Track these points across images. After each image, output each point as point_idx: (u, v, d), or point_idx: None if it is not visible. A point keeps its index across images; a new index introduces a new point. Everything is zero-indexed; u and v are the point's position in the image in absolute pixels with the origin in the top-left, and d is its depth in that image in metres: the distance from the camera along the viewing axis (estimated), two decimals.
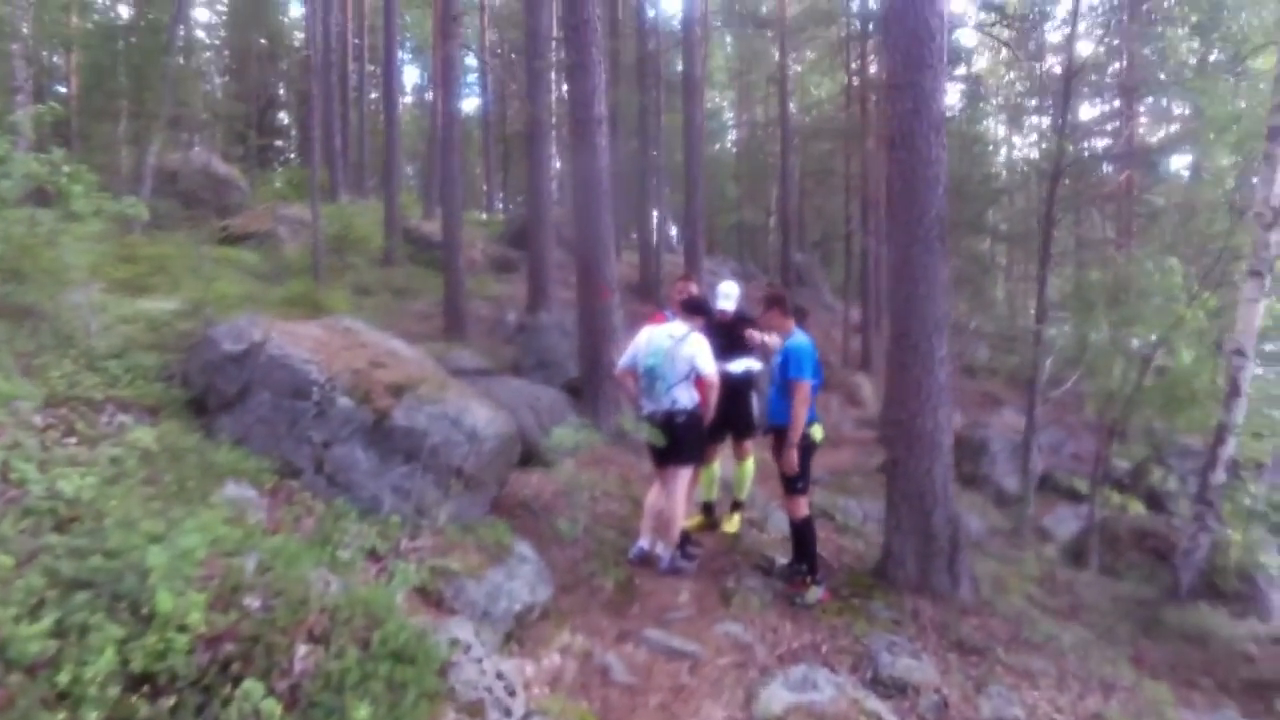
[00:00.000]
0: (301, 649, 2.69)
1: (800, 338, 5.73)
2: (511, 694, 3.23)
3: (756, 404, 6.71)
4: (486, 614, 4.08)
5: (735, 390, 5.93)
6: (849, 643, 5.16)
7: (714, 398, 5.64)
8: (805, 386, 5.54)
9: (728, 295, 6.48)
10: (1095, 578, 8.27)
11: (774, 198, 34.99)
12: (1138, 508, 9.53)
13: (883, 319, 22.51)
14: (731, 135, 40.06)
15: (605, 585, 5.31)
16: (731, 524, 6.87)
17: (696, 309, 5.83)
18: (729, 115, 40.29)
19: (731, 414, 6.31)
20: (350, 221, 14.97)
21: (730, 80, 37.22)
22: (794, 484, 5.72)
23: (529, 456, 7.40)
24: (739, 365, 6.20)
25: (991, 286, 22.50)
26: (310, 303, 9.06)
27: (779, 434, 5.74)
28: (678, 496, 5.75)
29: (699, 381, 5.71)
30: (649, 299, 19.57)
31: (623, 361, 5.88)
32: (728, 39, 34.35)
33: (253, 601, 2.83)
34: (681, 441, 5.67)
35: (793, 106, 26.47)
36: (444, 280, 11.83)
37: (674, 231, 31.36)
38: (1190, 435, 9.84)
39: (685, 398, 5.59)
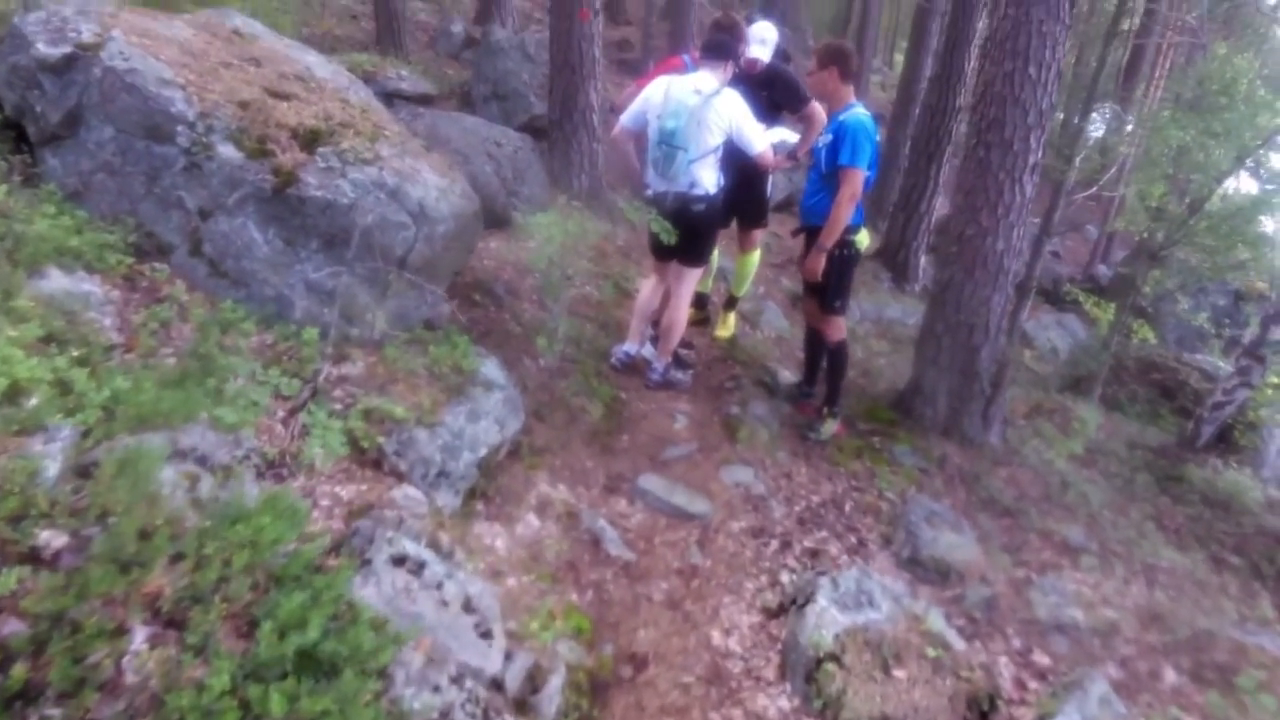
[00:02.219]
0: (139, 636, 1.58)
1: (860, 112, 4.36)
2: (488, 636, 2.24)
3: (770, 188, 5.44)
4: (444, 474, 3.01)
5: (751, 167, 4.61)
6: (874, 498, 4.39)
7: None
8: (858, 177, 4.28)
9: (763, 40, 4.91)
10: (1105, 414, 7.71)
11: None
12: (1148, 335, 8.84)
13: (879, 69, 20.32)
14: None
15: (588, 409, 4.28)
16: (726, 327, 5.84)
17: (725, 50, 4.33)
18: None
19: (743, 195, 5.04)
20: None
21: None
22: (831, 301, 4.64)
23: (489, 219, 6.07)
24: (771, 136, 4.80)
25: None
26: None
27: (814, 235, 4.55)
28: (682, 302, 4.62)
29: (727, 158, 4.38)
30: (615, 22, 17.01)
31: (626, 119, 4.40)
32: None
33: (55, 539, 1.65)
34: (697, 236, 4.43)
35: None
36: None
37: None
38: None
39: (708, 178, 4.26)
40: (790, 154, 4.94)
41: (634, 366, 4.92)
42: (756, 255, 5.60)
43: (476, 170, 5.96)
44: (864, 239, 4.68)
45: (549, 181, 6.90)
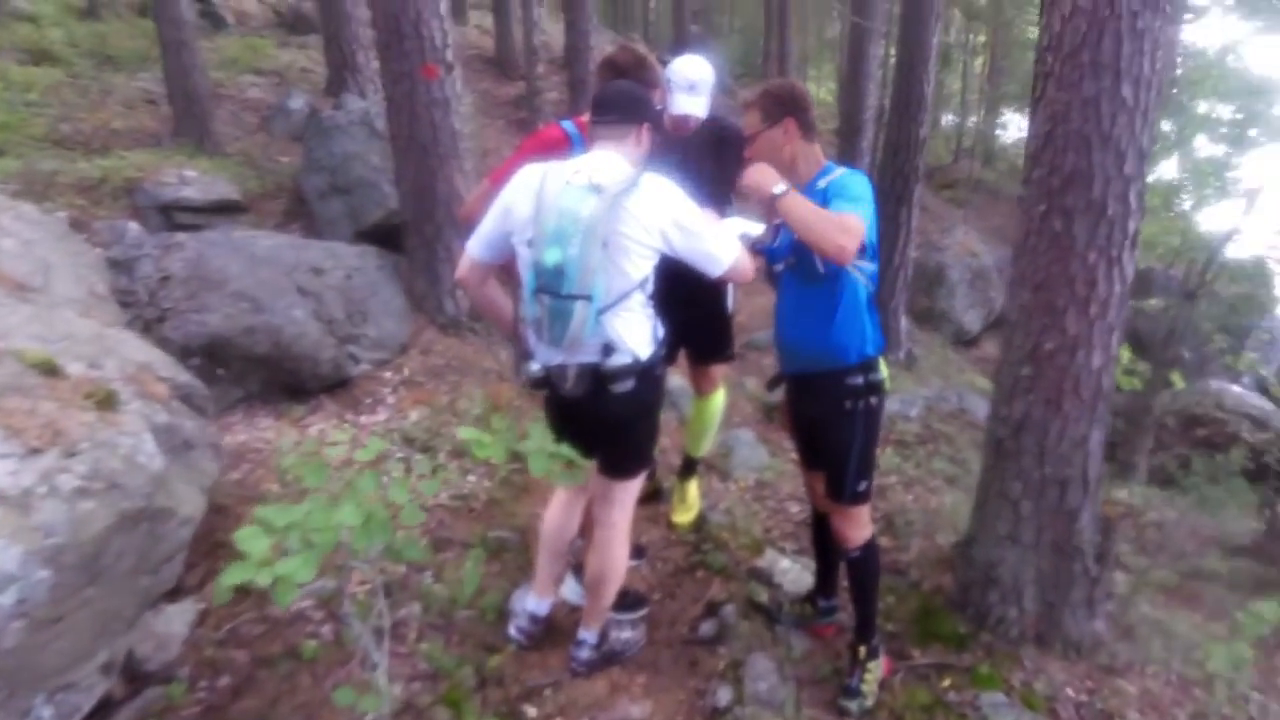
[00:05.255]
0: None
1: (850, 176, 2.74)
2: None
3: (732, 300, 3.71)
4: None
5: (700, 279, 2.81)
6: None
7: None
8: (858, 223, 2.49)
9: (692, 85, 3.20)
10: (1163, 498, 6.18)
11: None
12: (1179, 382, 7.43)
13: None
14: None
15: None
16: (687, 506, 4.05)
17: (632, 106, 2.56)
18: None
19: (693, 317, 3.34)
20: None
21: None
22: (852, 483, 2.91)
23: (299, 388, 4.23)
24: (730, 226, 3.05)
25: (947, 71, 19.27)
26: None
27: (802, 385, 2.91)
28: (616, 536, 2.79)
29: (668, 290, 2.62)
30: (508, 77, 15.29)
31: (476, 247, 2.60)
32: None
33: None
34: (626, 433, 2.64)
35: None
36: (159, 39, 7.50)
37: None
38: None
39: (636, 335, 2.49)
40: (759, 248, 3.16)
41: (553, 629, 3.08)
42: (720, 399, 3.84)
43: (279, 320, 4.08)
44: (883, 369, 2.96)
45: (409, 307, 5.05)
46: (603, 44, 13.52)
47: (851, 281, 2.75)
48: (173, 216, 5.47)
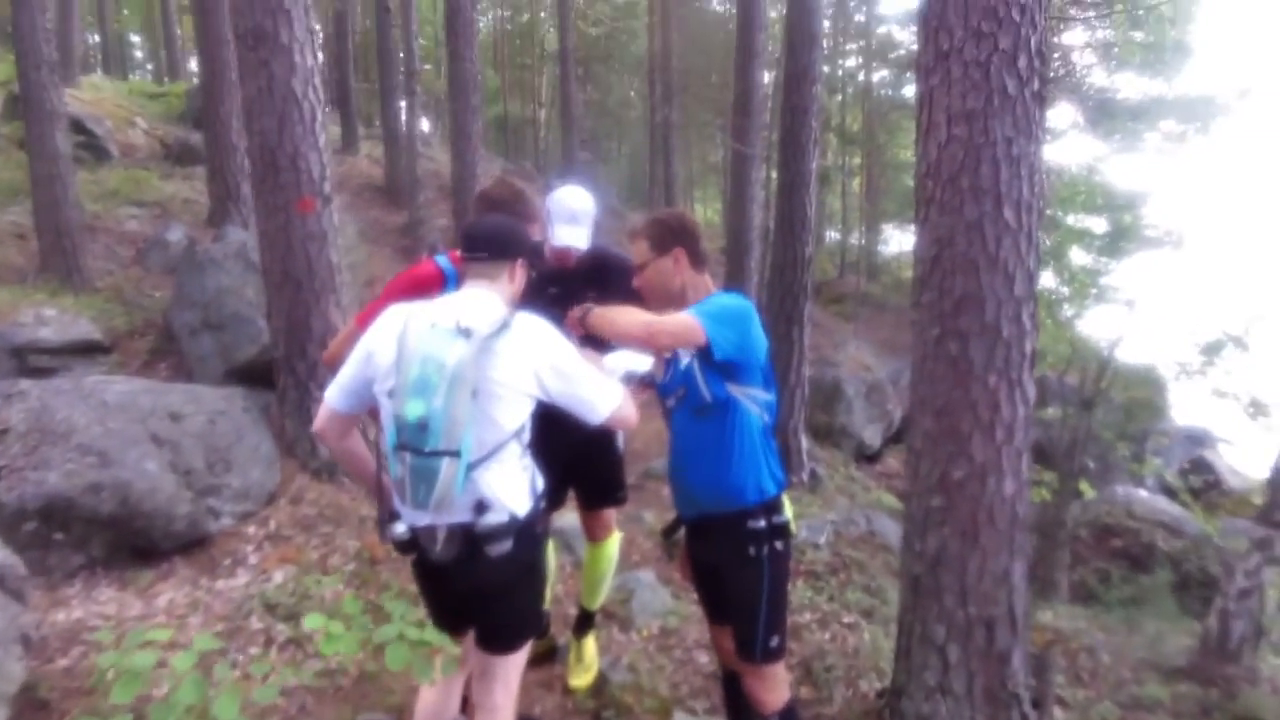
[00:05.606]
0: None
1: (721, 295, 2.71)
2: None
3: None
4: None
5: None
6: None
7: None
8: (693, 323, 2.43)
9: (574, 215, 3.06)
10: (1089, 617, 6.08)
11: (542, 88, 31.29)
12: (1088, 491, 7.51)
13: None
14: (484, 20, 35.22)
15: None
16: (584, 668, 3.67)
17: (506, 241, 2.38)
18: None
19: (580, 462, 3.13)
20: None
21: None
22: (764, 638, 2.63)
23: (150, 549, 3.78)
24: (613, 363, 2.85)
25: (827, 190, 20.36)
26: None
27: (701, 530, 2.73)
28: (502, 714, 2.43)
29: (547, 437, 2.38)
30: (397, 205, 15.26)
31: (335, 397, 2.31)
32: None
33: None
34: (503, 600, 2.33)
35: None
36: (30, 172, 7.15)
37: (426, 126, 26.54)
38: None
39: (512, 489, 2.21)
40: (647, 382, 2.97)
41: None
42: (614, 545, 3.55)
43: (128, 474, 3.66)
44: (788, 508, 2.75)
45: (279, 452, 4.65)
46: (491, 171, 13.75)
47: (744, 413, 2.57)
48: (26, 360, 5.03)
